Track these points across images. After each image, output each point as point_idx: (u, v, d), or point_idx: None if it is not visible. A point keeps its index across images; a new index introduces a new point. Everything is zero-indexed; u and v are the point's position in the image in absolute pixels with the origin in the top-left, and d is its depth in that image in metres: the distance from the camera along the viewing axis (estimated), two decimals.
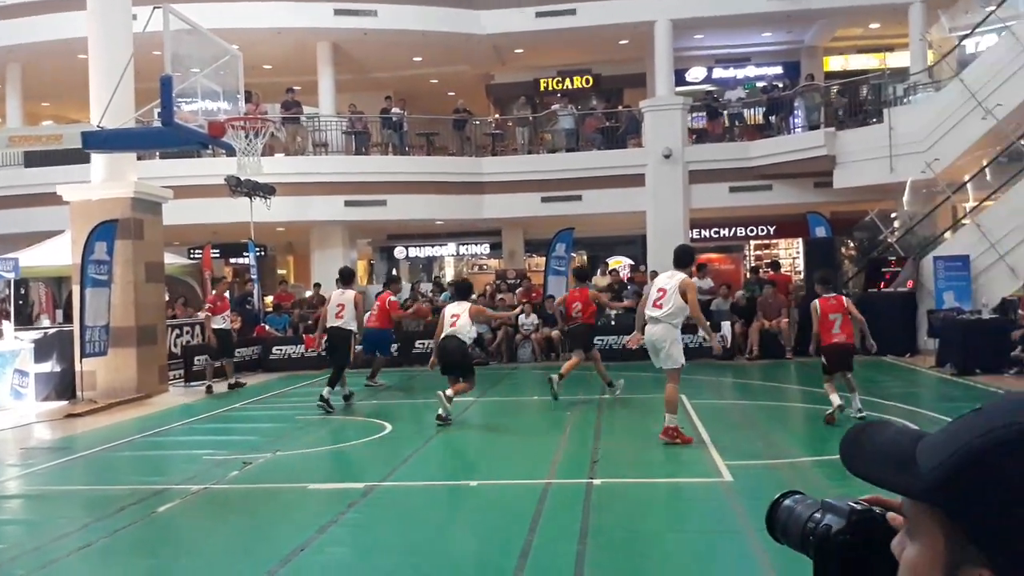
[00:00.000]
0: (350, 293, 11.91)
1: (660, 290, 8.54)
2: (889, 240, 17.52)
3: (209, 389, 13.94)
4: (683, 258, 8.76)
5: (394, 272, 23.79)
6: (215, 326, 13.93)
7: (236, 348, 15.14)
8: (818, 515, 1.01)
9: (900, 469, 0.83)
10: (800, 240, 21.80)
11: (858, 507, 0.96)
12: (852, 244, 19.87)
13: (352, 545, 5.59)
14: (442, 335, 10.28)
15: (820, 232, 17.90)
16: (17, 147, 13.80)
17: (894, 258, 16.56)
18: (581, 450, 8.25)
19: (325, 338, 12.00)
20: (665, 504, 6.51)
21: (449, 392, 9.87)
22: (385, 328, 14.08)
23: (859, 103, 19.83)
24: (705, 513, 6.11)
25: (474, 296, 13.02)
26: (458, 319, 10.25)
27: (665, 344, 8.38)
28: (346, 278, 12.35)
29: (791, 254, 25.24)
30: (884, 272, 16.33)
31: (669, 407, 8.33)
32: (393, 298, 14.45)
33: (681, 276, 8.48)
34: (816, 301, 9.29)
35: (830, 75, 23.46)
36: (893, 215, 18.54)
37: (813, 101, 20.06)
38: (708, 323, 10.11)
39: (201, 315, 17.45)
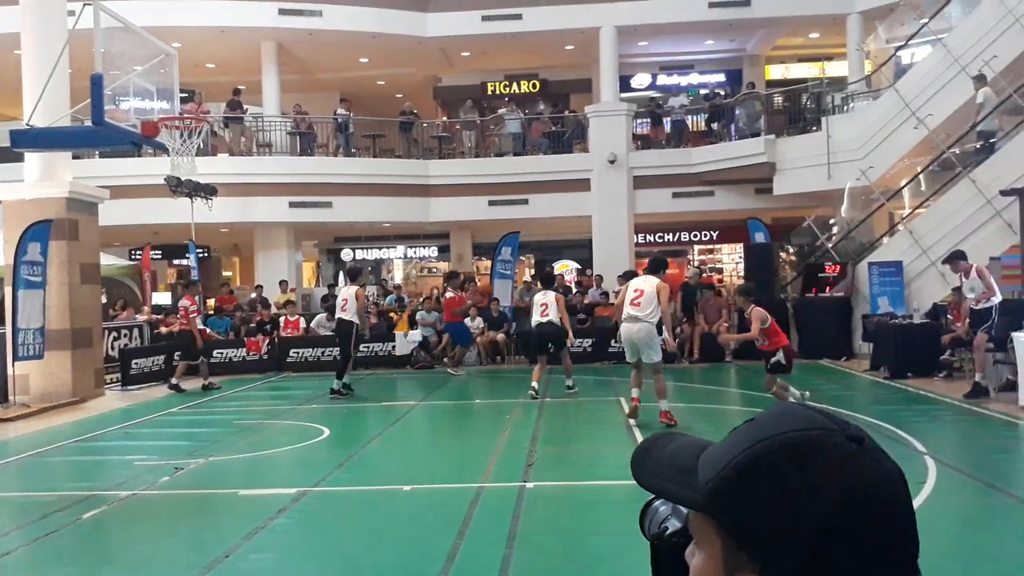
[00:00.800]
0: (353, 288, 12.99)
1: (637, 290, 9.42)
2: (827, 246, 17.90)
3: (209, 385, 14.17)
4: (656, 265, 9.86)
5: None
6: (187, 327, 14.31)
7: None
8: (670, 517, 1.05)
9: (680, 481, 0.87)
10: (741, 245, 22.16)
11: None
12: (791, 249, 20.25)
13: (278, 551, 5.56)
14: (536, 322, 11.91)
15: (760, 237, 18.21)
16: None
17: (831, 263, 16.92)
18: (518, 453, 8.29)
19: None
20: (595, 507, 6.57)
21: (535, 384, 11.63)
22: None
23: (799, 111, 20.23)
24: (632, 515, 6.16)
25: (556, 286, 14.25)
26: (547, 308, 11.79)
27: (649, 340, 9.30)
28: (352, 275, 13.73)
29: (734, 259, 25.62)
30: (821, 277, 16.66)
31: (662, 395, 9.44)
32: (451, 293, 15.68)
33: (656, 280, 9.48)
34: (759, 309, 9.44)
35: (771, 83, 23.90)
36: (831, 221, 18.93)
37: (754, 109, 20.40)
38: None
39: (144, 320, 17.27)
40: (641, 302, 9.29)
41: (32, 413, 12.12)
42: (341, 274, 19.06)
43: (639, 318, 9.30)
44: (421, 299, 19.36)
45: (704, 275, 18.66)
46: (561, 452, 8.59)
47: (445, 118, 24.41)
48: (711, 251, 26.35)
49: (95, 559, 5.54)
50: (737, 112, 20.69)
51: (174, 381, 14.17)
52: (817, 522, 0.77)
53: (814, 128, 18.91)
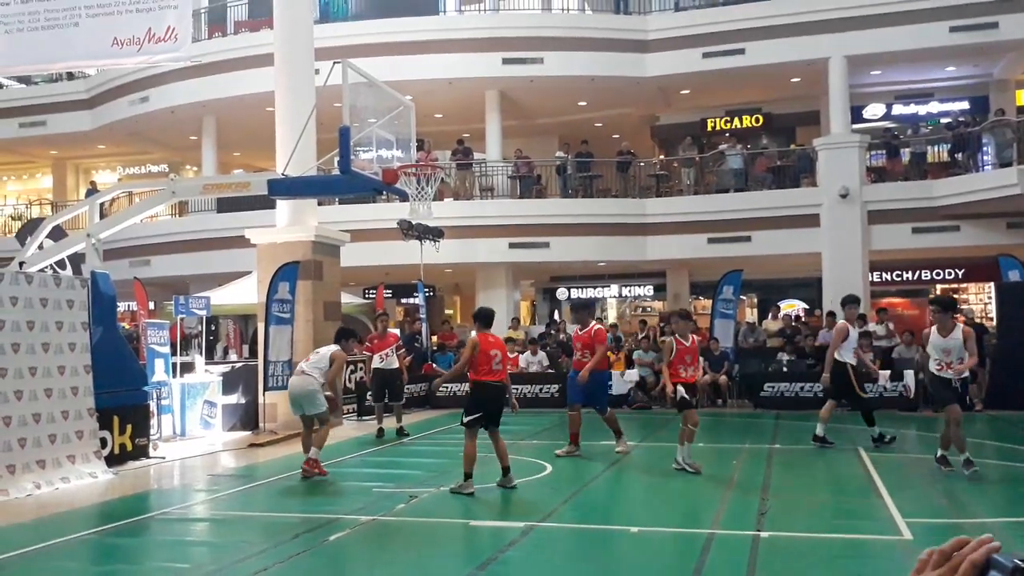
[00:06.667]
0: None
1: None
2: None
3: (380, 432, 13.22)
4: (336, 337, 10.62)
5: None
6: (373, 365, 13.61)
7: (401, 390, 13.78)
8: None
9: None
10: (992, 285, 20.36)
11: (1023, 564, 0.92)
12: None
13: None
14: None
15: (1014, 276, 16.63)
16: (210, 194, 14.95)
17: None
18: (748, 500, 7.94)
19: None
20: (838, 562, 6.13)
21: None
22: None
23: None
24: (881, 573, 5.72)
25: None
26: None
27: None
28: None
29: (982, 299, 23.56)
30: None
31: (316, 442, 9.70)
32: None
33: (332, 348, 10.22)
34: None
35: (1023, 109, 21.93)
36: None
37: (1004, 137, 18.76)
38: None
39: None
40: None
41: (279, 440, 13.05)
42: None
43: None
44: (639, 337, 19.26)
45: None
46: (796, 502, 8.13)
47: (663, 156, 24.28)
48: (956, 291, 24.37)
49: None
50: (984, 141, 19.12)
51: (380, 424, 13.24)
52: None
53: None
